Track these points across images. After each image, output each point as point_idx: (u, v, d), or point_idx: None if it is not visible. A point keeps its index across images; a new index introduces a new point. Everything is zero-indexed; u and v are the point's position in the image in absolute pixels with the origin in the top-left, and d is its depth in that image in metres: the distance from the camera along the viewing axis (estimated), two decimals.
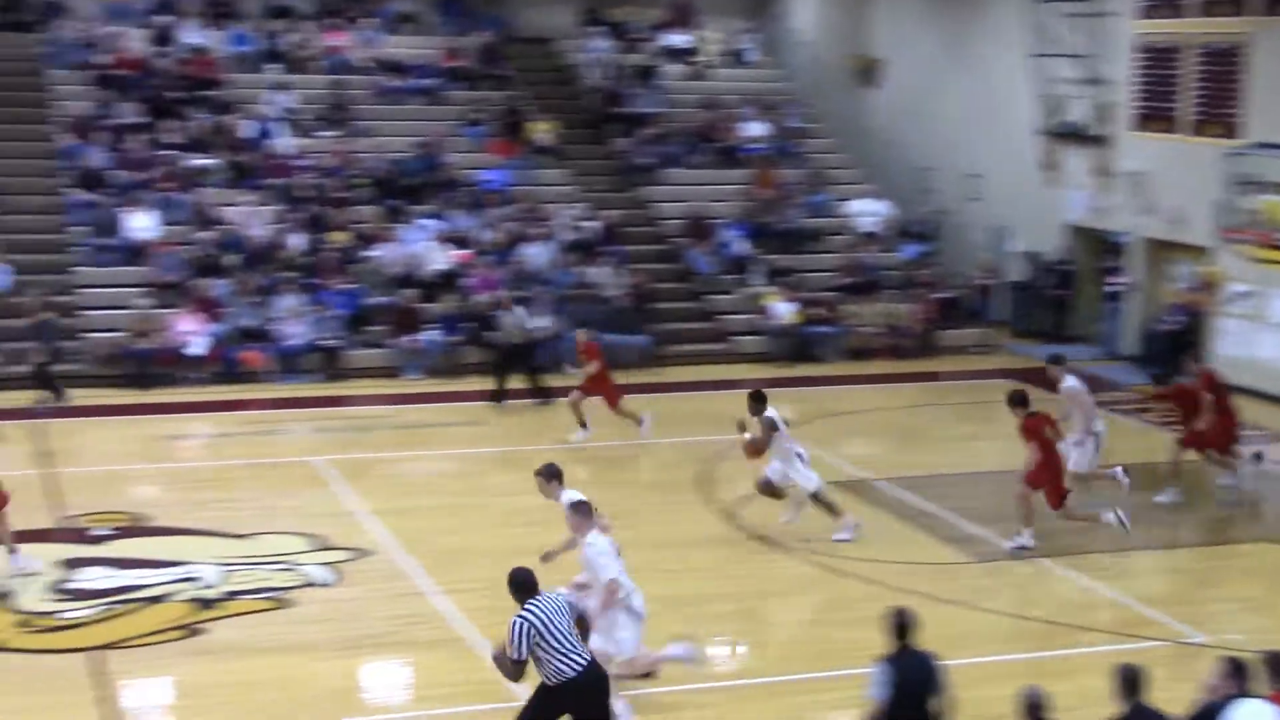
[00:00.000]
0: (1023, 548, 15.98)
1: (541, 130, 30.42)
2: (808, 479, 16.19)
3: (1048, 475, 15.82)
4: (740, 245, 28.69)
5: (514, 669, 9.94)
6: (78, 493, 17.72)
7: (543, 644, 9.83)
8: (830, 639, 13.77)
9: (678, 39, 33.94)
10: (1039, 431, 15.80)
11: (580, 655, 9.97)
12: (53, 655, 13.06)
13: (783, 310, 27.05)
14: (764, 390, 16.47)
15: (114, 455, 20.31)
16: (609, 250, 27.69)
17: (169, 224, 26.25)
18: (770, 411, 16.06)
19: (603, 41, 32.98)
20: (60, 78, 29.15)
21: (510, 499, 17.29)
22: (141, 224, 26.01)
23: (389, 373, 24.80)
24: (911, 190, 31.42)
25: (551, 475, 12.10)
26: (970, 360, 27.32)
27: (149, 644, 13.29)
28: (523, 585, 10.09)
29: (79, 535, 16.10)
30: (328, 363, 24.64)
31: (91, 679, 12.49)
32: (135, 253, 25.76)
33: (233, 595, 14.37)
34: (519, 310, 24.15)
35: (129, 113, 28.29)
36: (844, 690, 11.95)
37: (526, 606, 9.91)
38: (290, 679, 12.40)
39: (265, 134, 28.57)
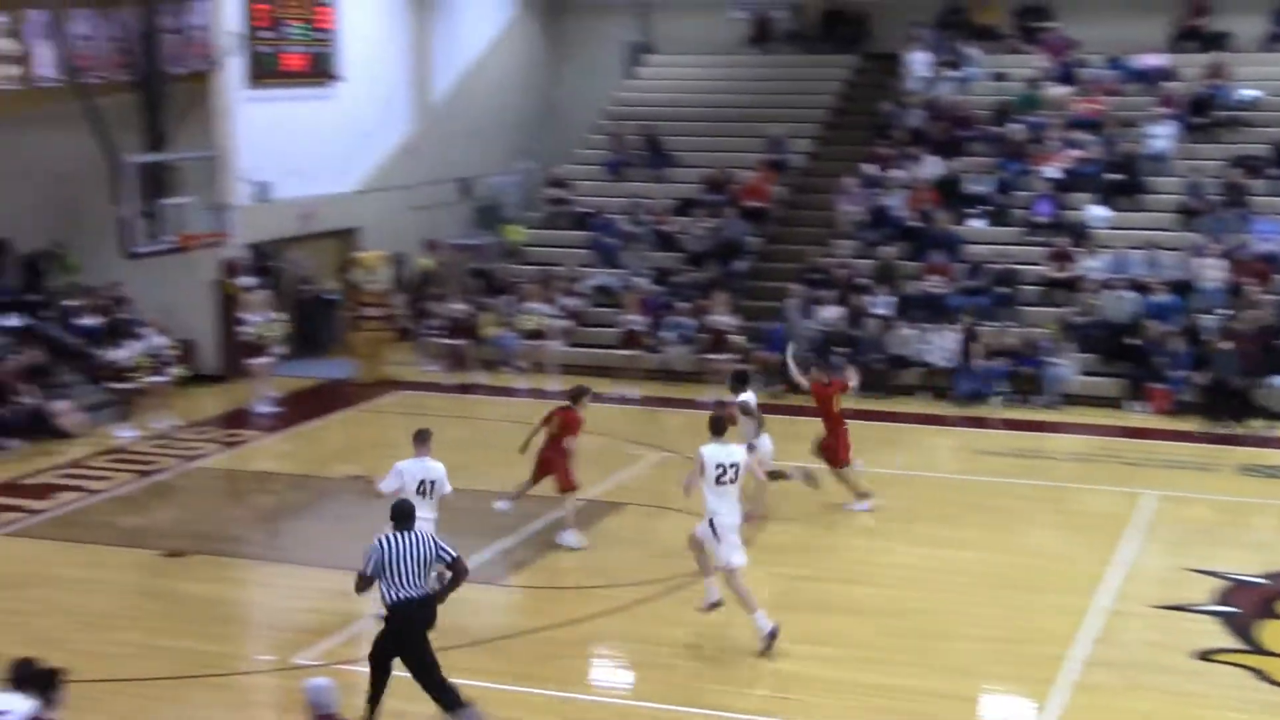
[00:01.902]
0: None
1: None
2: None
3: None
4: None
5: (357, 580, 11.41)
6: None
7: (384, 572, 11.12)
8: None
9: None
10: None
11: (410, 592, 11.10)
12: None
13: None
14: (746, 372, 17.97)
15: None
16: None
17: None
18: (748, 395, 16.91)
19: None
20: None
21: None
22: None
23: None
24: None
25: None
26: None
27: None
28: (396, 515, 11.43)
29: None
30: None
31: None
32: None
33: None
34: None
35: None
36: None
37: (388, 534, 11.18)
38: None
39: None
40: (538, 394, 24.54)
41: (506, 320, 26.57)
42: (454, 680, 11.63)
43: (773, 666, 13.11)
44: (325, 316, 27.51)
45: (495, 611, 14.98)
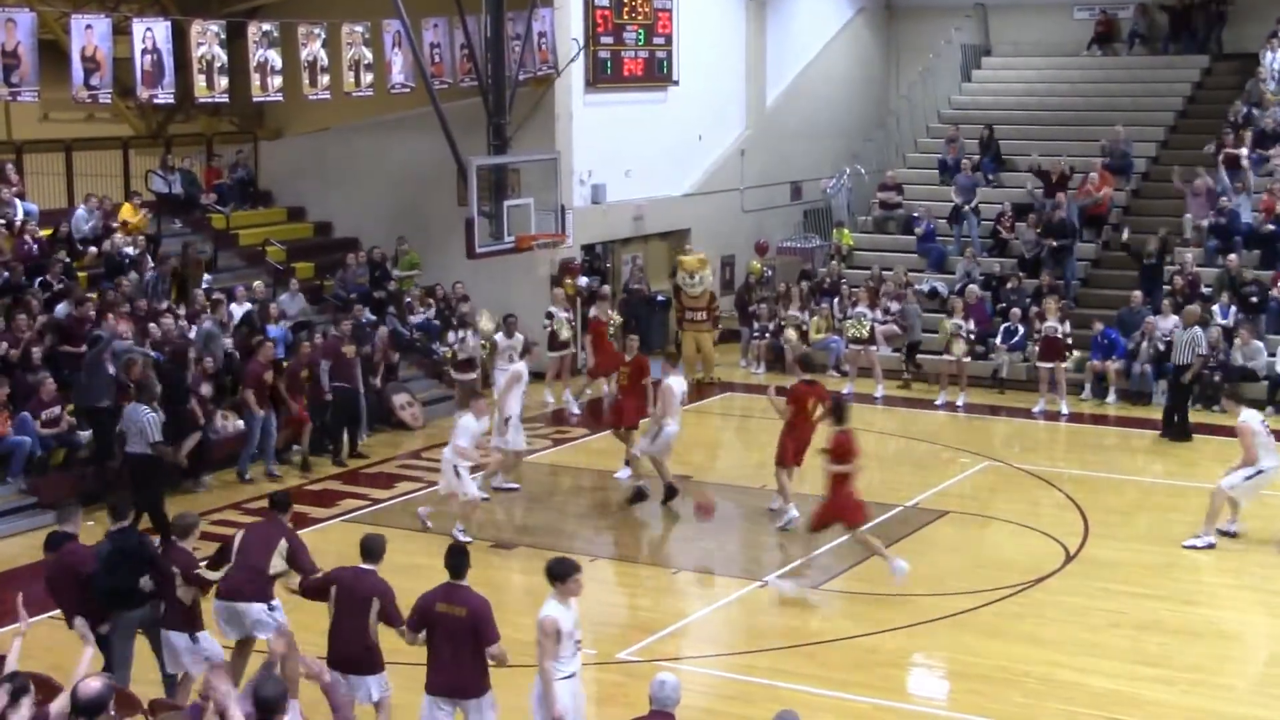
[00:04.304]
0: None
1: None
2: None
3: None
4: None
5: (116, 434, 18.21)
6: None
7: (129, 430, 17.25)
8: None
9: None
10: None
11: (133, 446, 17.00)
12: None
13: None
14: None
15: None
16: None
17: None
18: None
19: None
20: None
21: None
22: None
23: None
24: None
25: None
26: None
27: None
28: (141, 388, 17.48)
29: None
30: None
31: None
32: None
33: None
34: None
35: None
36: None
37: (139, 408, 17.02)
38: None
39: None
40: (863, 399, 24.41)
41: (833, 324, 26.52)
42: (770, 682, 11.63)
43: (1098, 685, 12.76)
44: (655, 317, 27.92)
45: (816, 616, 14.97)
